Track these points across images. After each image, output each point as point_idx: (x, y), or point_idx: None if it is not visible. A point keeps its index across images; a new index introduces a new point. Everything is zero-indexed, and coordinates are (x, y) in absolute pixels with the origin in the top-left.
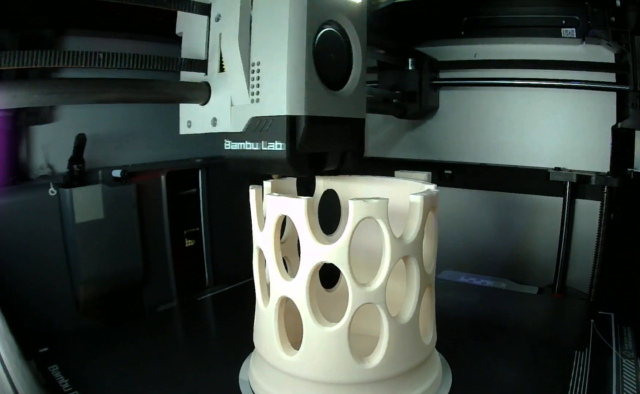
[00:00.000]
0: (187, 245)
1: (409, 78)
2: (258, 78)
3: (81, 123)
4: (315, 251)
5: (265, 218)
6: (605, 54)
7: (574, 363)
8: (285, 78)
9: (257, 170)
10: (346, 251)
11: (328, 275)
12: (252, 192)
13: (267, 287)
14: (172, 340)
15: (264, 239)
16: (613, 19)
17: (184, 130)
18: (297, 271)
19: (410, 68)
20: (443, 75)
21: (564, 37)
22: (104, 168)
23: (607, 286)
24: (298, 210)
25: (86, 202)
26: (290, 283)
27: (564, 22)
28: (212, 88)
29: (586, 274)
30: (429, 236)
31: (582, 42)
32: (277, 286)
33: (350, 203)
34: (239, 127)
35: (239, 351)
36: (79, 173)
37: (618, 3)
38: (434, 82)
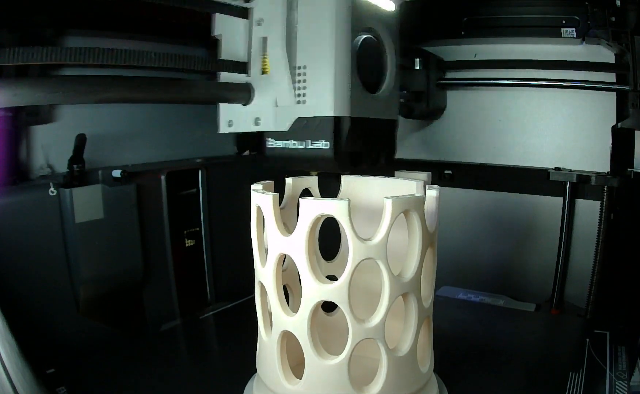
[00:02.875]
0: (187, 245)
1: (416, 77)
2: (304, 81)
3: (81, 123)
4: (316, 290)
5: (267, 253)
6: (605, 54)
7: (568, 385)
8: (332, 82)
9: (300, 167)
10: (346, 290)
11: None
12: (254, 225)
13: (269, 317)
14: (176, 361)
15: (265, 275)
16: (613, 19)
17: (224, 128)
18: (298, 302)
19: (417, 68)
20: (448, 75)
21: (564, 37)
22: (104, 168)
23: (604, 301)
24: (299, 249)
25: (86, 202)
26: (292, 318)
27: (564, 22)
28: (255, 89)
29: (584, 285)
30: (427, 272)
31: (582, 42)
32: (279, 321)
33: (351, 244)
34: (284, 127)
35: (242, 372)
36: (79, 173)
37: (618, 3)
38: (441, 81)
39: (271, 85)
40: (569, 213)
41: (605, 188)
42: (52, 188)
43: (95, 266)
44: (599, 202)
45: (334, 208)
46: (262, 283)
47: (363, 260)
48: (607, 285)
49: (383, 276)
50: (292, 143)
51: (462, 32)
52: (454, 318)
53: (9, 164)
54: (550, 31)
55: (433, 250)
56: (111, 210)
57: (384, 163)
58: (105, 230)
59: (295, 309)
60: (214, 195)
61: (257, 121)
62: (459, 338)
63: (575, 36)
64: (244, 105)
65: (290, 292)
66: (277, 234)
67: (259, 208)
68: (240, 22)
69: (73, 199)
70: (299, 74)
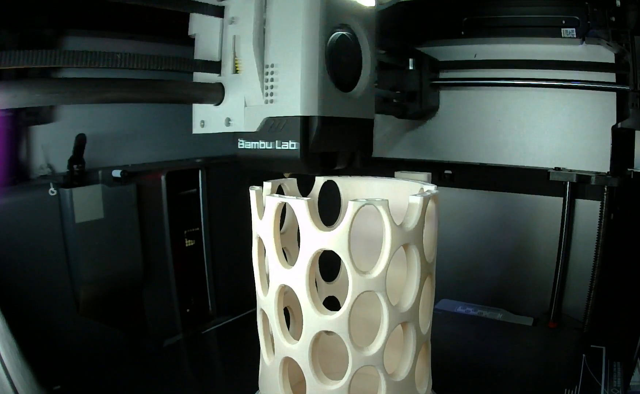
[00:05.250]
0: (187, 245)
1: (410, 78)
2: (273, 79)
3: (81, 123)
4: (317, 321)
5: (268, 282)
6: (605, 54)
7: None
8: (300, 80)
9: (270, 168)
10: (346, 321)
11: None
12: (255, 254)
13: (271, 341)
14: (180, 378)
15: (267, 303)
16: (613, 19)
17: (197, 129)
18: (300, 324)
19: (410, 68)
20: (443, 75)
21: (564, 37)
22: (104, 168)
23: (603, 307)
24: (300, 282)
25: (86, 202)
26: (294, 346)
27: (564, 22)
28: (226, 89)
29: (583, 295)
30: (425, 300)
31: (582, 42)
32: (281, 347)
33: (350, 277)
34: (253, 127)
35: (245, 390)
36: (79, 173)
37: (618, 3)
38: (434, 82)
39: (242, 84)
40: (569, 213)
41: (605, 188)
42: (52, 188)
43: (95, 266)
44: (599, 202)
45: (334, 243)
46: (263, 311)
47: (363, 293)
48: (606, 291)
49: (382, 308)
50: (261, 144)
51: (462, 32)
52: (453, 333)
53: (9, 164)
54: (550, 31)
55: (431, 279)
56: (111, 210)
57: (360, 164)
58: (105, 230)
59: (296, 331)
60: (214, 195)
61: (228, 121)
62: (456, 354)
63: (575, 36)
64: (216, 105)
65: (291, 314)
66: (278, 266)
67: (259, 238)
68: (215, 21)
69: (73, 199)
70: (269, 73)
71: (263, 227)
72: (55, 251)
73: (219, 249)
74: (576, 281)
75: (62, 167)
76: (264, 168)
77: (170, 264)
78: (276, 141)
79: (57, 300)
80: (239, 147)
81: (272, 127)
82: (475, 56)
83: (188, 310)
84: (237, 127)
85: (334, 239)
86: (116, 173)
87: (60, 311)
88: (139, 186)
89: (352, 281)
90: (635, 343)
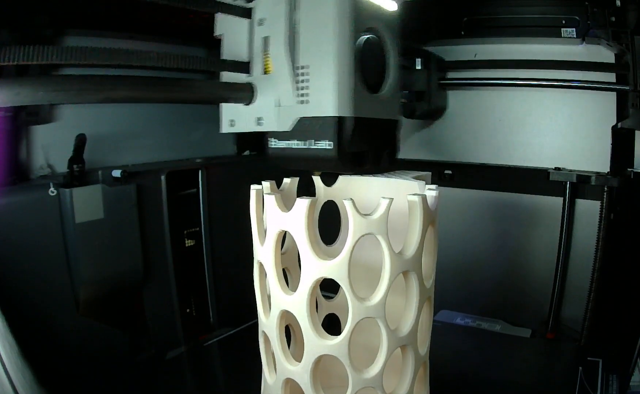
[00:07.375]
0: (187, 245)
1: (417, 77)
2: (306, 80)
3: (81, 123)
4: (317, 345)
5: (270, 308)
6: (605, 54)
7: None
8: (335, 82)
9: (304, 167)
10: (346, 346)
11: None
12: (257, 276)
13: (272, 360)
14: (183, 392)
15: (268, 326)
16: (613, 19)
17: (226, 128)
18: (301, 343)
19: (418, 67)
20: (448, 75)
21: (564, 37)
22: (104, 168)
23: (600, 324)
24: (300, 307)
25: (86, 202)
26: (295, 367)
27: (564, 22)
28: (257, 89)
29: (581, 303)
30: (423, 322)
31: (582, 42)
32: (282, 368)
33: (350, 304)
34: (286, 126)
35: None
36: (79, 173)
37: (618, 3)
38: (442, 81)
39: (273, 84)
40: (569, 213)
41: (605, 188)
42: (52, 188)
43: (95, 266)
44: (599, 202)
45: (334, 271)
46: (265, 332)
47: (362, 319)
48: (605, 300)
49: (382, 333)
50: (294, 143)
51: (462, 32)
52: (451, 345)
53: (9, 164)
54: (550, 31)
55: (430, 301)
56: (111, 210)
57: (386, 164)
58: (105, 230)
59: (297, 349)
60: (214, 195)
61: (259, 121)
62: (455, 365)
63: (575, 36)
64: (246, 105)
65: (292, 332)
66: (279, 292)
67: (260, 263)
68: (242, 22)
69: (73, 199)
70: (302, 74)
71: (264, 254)
72: (55, 251)
73: (219, 249)
74: (575, 289)
75: (62, 167)
76: (296, 167)
77: (170, 264)
78: (311, 140)
79: (57, 300)
80: (271, 145)
81: (307, 127)
82: (475, 56)
83: (188, 310)
84: (269, 126)
85: (334, 268)
86: (116, 173)
87: (60, 311)
88: (139, 186)
89: (351, 309)
90: (632, 355)
